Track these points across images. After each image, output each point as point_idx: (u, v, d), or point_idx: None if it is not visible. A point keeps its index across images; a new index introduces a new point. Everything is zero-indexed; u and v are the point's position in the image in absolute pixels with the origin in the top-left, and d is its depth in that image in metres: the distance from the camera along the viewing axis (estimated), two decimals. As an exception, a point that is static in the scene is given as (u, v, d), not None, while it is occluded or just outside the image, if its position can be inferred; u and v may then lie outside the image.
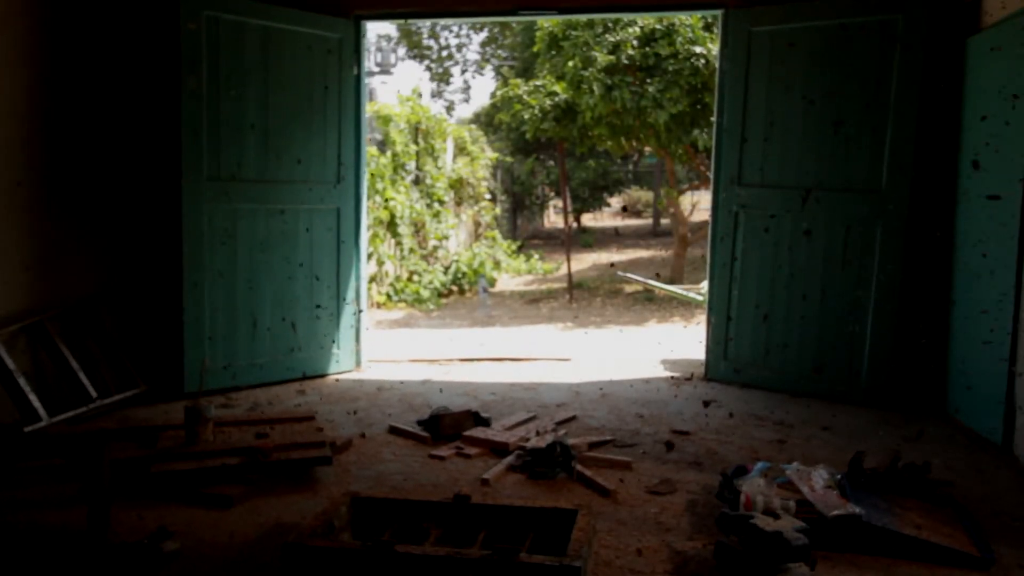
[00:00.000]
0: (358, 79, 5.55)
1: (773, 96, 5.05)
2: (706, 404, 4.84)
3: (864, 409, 4.74)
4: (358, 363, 5.73)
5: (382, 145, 10.84)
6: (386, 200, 10.08)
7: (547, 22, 10.17)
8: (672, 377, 5.56)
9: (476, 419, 4.27)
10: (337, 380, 5.43)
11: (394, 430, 4.30)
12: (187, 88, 4.83)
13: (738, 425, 4.47)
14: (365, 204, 5.76)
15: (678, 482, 3.55)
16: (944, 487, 3.39)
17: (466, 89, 30.85)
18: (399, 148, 10.72)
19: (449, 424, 4.15)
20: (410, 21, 17.33)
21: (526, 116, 10.65)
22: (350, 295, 5.61)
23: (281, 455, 3.56)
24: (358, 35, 5.51)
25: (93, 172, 4.96)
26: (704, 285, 6.56)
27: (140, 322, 5.20)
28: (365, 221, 5.78)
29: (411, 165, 11.16)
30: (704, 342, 5.55)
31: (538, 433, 4.13)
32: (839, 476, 3.21)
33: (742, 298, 5.27)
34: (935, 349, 4.76)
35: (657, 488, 3.44)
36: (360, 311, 5.69)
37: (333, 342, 5.57)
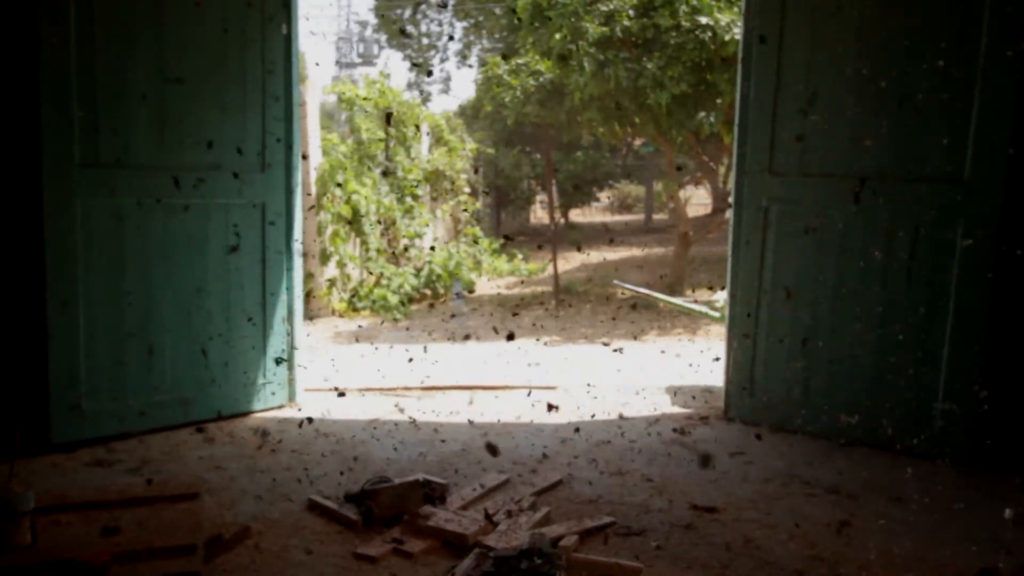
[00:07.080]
0: (288, 40, 4.39)
1: (817, 59, 3.92)
2: (731, 456, 3.73)
3: (937, 464, 3.62)
4: (291, 397, 4.57)
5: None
6: (348, 194, 8.89)
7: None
8: (683, 415, 4.44)
9: (427, 491, 3.12)
10: (257, 422, 4.27)
11: (314, 507, 3.15)
12: (47, 45, 3.64)
13: (779, 494, 3.34)
14: (300, 197, 4.59)
15: (712, 606, 2.43)
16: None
17: (446, 80, 29.77)
18: (365, 136, 9.52)
19: (388, 503, 3.00)
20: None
21: (507, 99, 9.47)
22: (280, 312, 4.45)
23: (123, 572, 2.40)
24: (287, -17, 4.35)
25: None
26: (720, 297, 5.43)
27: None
28: (300, 217, 4.60)
29: (380, 156, 9.96)
30: (723, 370, 4.41)
31: (509, 514, 3.00)
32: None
33: (773, 317, 4.15)
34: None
35: (684, 624, 2.32)
36: (294, 332, 4.53)
37: (258, 372, 4.41)
